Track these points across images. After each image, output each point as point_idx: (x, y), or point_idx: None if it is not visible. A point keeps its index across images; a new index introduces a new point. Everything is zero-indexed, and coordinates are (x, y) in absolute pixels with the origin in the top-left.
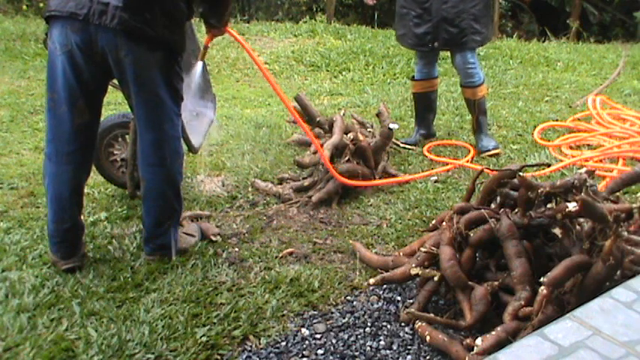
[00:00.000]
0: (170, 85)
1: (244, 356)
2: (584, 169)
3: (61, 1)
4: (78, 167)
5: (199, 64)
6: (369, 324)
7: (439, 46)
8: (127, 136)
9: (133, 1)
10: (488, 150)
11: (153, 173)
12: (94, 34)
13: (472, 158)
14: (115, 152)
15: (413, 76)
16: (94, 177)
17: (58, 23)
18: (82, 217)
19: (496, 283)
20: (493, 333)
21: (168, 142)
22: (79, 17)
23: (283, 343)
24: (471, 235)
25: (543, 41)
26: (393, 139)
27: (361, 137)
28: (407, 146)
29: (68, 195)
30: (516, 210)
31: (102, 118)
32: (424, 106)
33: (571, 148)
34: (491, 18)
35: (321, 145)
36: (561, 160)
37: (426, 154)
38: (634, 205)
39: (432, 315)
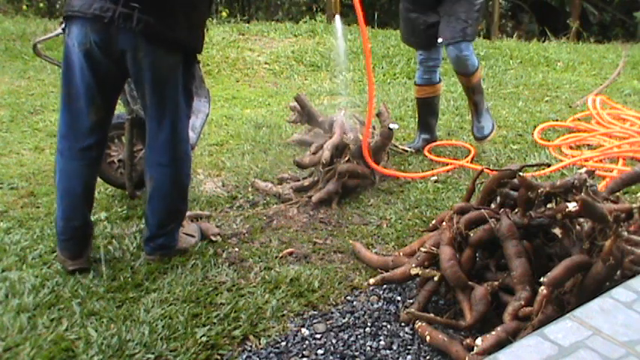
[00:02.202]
0: (185, 87)
1: (244, 356)
2: (584, 169)
3: (85, 3)
4: (91, 163)
5: (337, 18)
6: (369, 324)
7: None
8: (122, 137)
9: (159, 6)
10: (484, 136)
11: (162, 173)
12: (114, 35)
13: (472, 158)
14: (112, 154)
15: (415, 80)
16: None
17: (78, 22)
18: (91, 217)
19: (496, 283)
20: (493, 333)
21: (180, 143)
22: (104, 20)
23: (283, 343)
24: (471, 235)
25: (543, 41)
26: (393, 141)
27: (361, 137)
28: (407, 149)
29: (80, 191)
30: (516, 210)
31: None
32: (426, 110)
33: (571, 148)
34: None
35: (321, 146)
36: (561, 160)
37: (426, 154)
38: (634, 205)
39: (432, 315)
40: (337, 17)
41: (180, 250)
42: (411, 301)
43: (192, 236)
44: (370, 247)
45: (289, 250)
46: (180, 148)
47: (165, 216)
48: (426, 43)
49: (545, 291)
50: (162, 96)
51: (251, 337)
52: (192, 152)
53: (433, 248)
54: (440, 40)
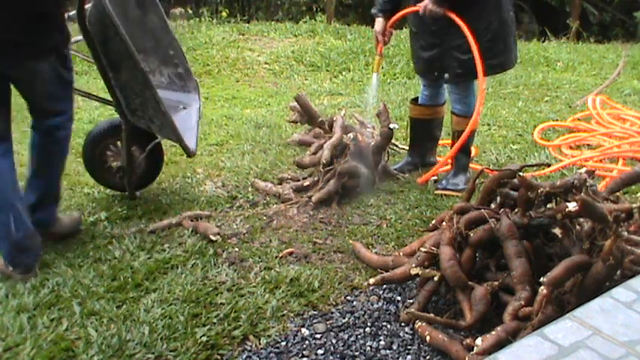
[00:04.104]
0: (61, 77)
1: (244, 356)
2: (584, 169)
3: None
4: None
5: (375, 76)
6: (369, 324)
7: None
8: (117, 143)
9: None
10: (445, 188)
11: (41, 154)
12: None
13: (472, 158)
14: (109, 160)
15: (415, 99)
16: None
17: None
18: None
19: (496, 283)
20: (493, 333)
21: (59, 130)
22: None
23: (283, 343)
24: (471, 235)
25: (543, 41)
26: (393, 141)
27: (360, 137)
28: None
29: None
30: (516, 210)
31: (92, 125)
32: (422, 133)
33: (571, 148)
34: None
35: (321, 146)
36: (561, 160)
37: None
38: (634, 205)
39: (432, 315)
40: (375, 75)
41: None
42: (411, 301)
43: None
44: (370, 247)
45: (289, 250)
46: (59, 134)
47: (44, 194)
48: (424, 70)
49: (545, 291)
50: (39, 95)
51: (251, 337)
52: (194, 153)
53: (433, 248)
54: (446, 75)
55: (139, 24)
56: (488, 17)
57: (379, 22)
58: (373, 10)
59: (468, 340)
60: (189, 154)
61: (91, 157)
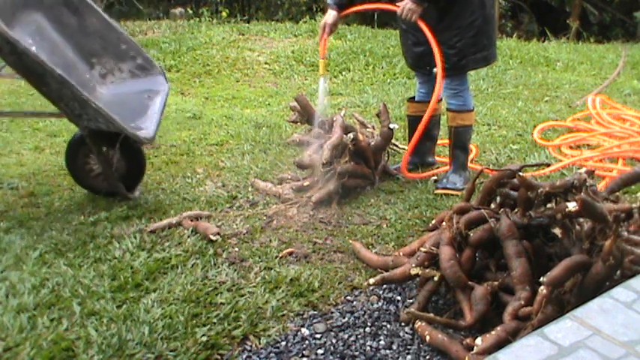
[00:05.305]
0: None
1: (244, 356)
2: (584, 169)
3: None
4: None
5: (322, 80)
6: (369, 324)
7: None
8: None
9: None
10: (445, 188)
11: None
12: None
13: (473, 159)
14: (94, 167)
15: (411, 98)
16: None
17: None
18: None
19: (496, 283)
20: (493, 333)
21: None
22: None
23: (283, 343)
24: (471, 235)
25: (543, 41)
26: (393, 141)
27: (361, 137)
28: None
29: None
30: (516, 210)
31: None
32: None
33: (571, 148)
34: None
35: (321, 146)
36: (561, 160)
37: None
38: (634, 205)
39: (432, 315)
40: (322, 79)
41: None
42: (411, 301)
43: None
44: (370, 247)
45: (289, 250)
46: None
47: None
48: (415, 64)
49: (545, 291)
50: None
51: (251, 337)
52: (153, 141)
53: (433, 248)
54: (435, 69)
55: (80, 30)
56: (473, 13)
57: (331, 15)
58: (329, 1)
59: (468, 340)
60: (141, 141)
61: (73, 166)
